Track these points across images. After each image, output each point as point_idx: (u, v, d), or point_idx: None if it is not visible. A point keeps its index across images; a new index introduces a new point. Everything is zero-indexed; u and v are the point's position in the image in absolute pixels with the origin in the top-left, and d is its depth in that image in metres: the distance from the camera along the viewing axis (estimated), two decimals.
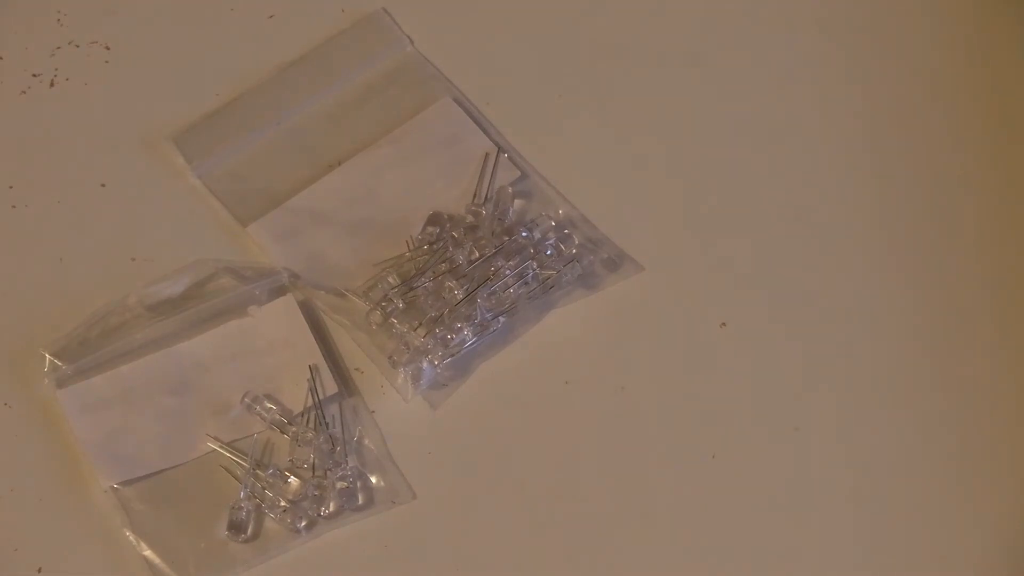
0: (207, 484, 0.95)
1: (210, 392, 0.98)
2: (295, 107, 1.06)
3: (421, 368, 0.97)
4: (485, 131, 1.04)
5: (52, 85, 1.07)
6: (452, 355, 0.98)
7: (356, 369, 0.99)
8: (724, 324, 0.99)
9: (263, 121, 1.05)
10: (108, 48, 1.08)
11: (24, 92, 1.07)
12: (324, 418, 0.96)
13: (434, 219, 1.01)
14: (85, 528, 0.95)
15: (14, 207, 1.04)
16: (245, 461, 0.95)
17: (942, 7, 1.08)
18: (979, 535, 0.94)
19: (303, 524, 0.94)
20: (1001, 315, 0.99)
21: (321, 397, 0.97)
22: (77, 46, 1.08)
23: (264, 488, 0.95)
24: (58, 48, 1.08)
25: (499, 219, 1.01)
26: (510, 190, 1.02)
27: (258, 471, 0.95)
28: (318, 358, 0.98)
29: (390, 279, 0.99)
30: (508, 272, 0.98)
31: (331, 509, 0.95)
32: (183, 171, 1.04)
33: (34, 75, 1.07)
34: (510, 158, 1.04)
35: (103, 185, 1.04)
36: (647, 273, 1.01)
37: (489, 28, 1.09)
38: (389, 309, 0.98)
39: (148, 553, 0.94)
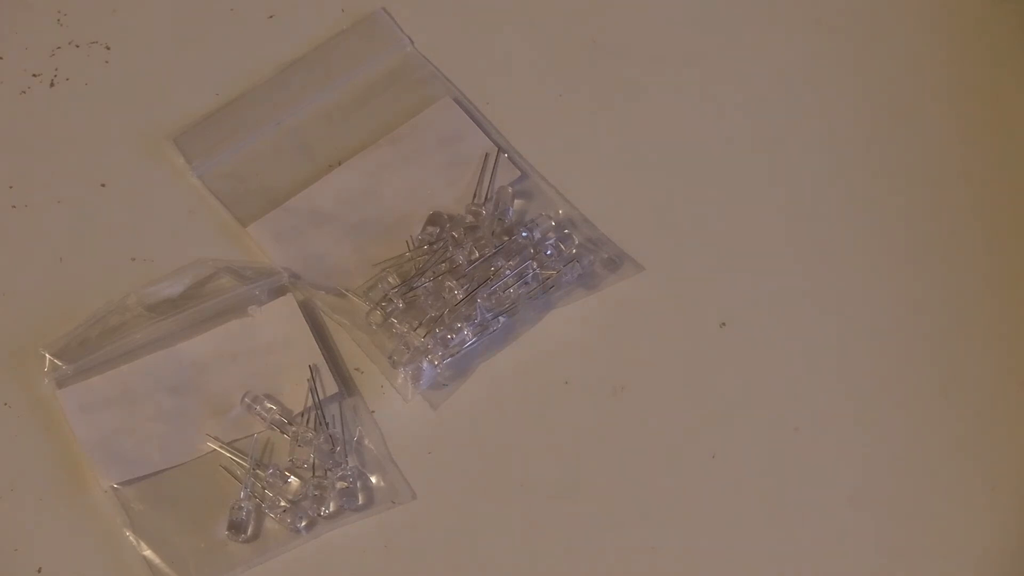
0: (207, 484, 0.95)
1: (210, 392, 0.98)
2: (295, 107, 1.06)
3: (421, 368, 0.97)
4: (485, 131, 1.04)
5: (52, 85, 1.07)
6: (452, 355, 0.98)
7: (356, 369, 0.99)
8: (724, 324, 0.99)
9: (263, 121, 1.05)
10: (108, 48, 1.08)
11: (24, 92, 1.07)
12: (324, 418, 0.96)
13: (434, 219, 1.01)
14: (85, 528, 0.95)
15: (14, 207, 1.04)
16: (245, 461, 0.95)
17: (943, 6, 1.08)
18: (979, 535, 0.94)
19: (303, 524, 0.94)
20: (1002, 315, 0.99)
21: (321, 397, 0.97)
22: (77, 46, 1.08)
23: (264, 488, 0.95)
24: (58, 48, 1.08)
25: (499, 219, 1.01)
26: (510, 190, 1.02)
27: (258, 471, 0.95)
28: (318, 358, 0.98)
29: (390, 279, 0.99)
30: (508, 272, 0.98)
31: (331, 509, 0.95)
32: (183, 171, 1.04)
33: (34, 75, 1.07)
34: (510, 158, 1.04)
35: (103, 185, 1.04)
36: (647, 273, 1.01)
37: (489, 28, 1.09)
38: (389, 309, 0.98)
39: (148, 553, 0.94)
